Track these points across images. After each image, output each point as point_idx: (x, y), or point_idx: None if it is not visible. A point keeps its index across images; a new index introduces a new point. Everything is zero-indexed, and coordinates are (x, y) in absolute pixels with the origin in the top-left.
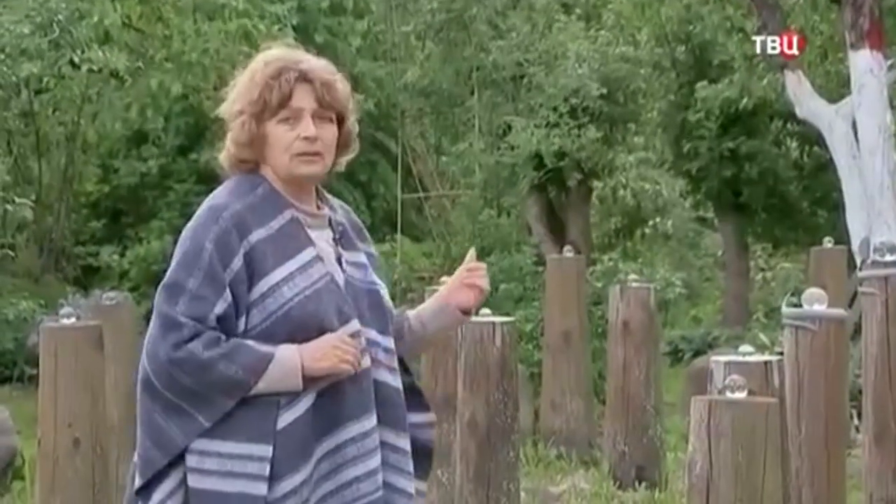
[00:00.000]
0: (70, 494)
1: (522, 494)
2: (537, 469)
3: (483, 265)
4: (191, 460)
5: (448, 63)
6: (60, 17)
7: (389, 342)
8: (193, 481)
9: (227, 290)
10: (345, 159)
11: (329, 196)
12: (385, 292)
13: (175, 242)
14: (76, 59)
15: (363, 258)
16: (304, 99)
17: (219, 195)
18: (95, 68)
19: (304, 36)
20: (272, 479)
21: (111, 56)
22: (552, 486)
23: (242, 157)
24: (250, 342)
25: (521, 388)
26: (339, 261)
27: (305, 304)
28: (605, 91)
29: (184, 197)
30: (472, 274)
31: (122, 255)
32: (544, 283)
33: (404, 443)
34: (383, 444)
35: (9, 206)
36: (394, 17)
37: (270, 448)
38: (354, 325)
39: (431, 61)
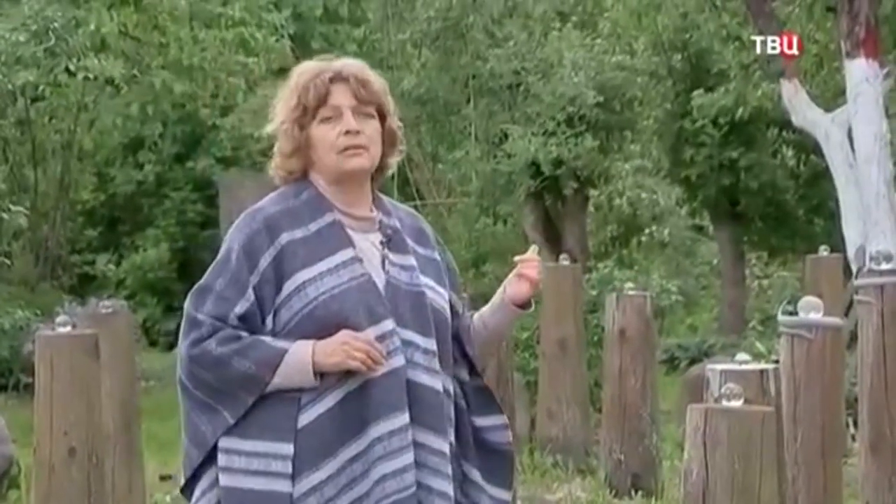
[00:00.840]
0: (66, 503)
1: (519, 502)
2: (533, 477)
3: (536, 258)
4: (221, 459)
5: (444, 71)
6: (56, 25)
7: (430, 344)
8: (223, 479)
9: (250, 291)
10: (394, 160)
11: (391, 201)
12: (436, 295)
13: (171, 250)
14: (72, 68)
15: (412, 261)
16: (341, 97)
17: (263, 200)
18: (91, 76)
19: (300, 44)
20: (293, 477)
21: (107, 64)
22: (548, 495)
23: (290, 167)
24: (267, 338)
25: (517, 396)
26: (383, 262)
27: (329, 304)
28: (601, 99)
29: (180, 205)
30: (523, 265)
31: (118, 263)
32: (540, 291)
33: (443, 445)
34: (419, 445)
35: (4, 215)
36: (390, 26)
37: (292, 446)
38: (387, 325)
39: (428, 69)
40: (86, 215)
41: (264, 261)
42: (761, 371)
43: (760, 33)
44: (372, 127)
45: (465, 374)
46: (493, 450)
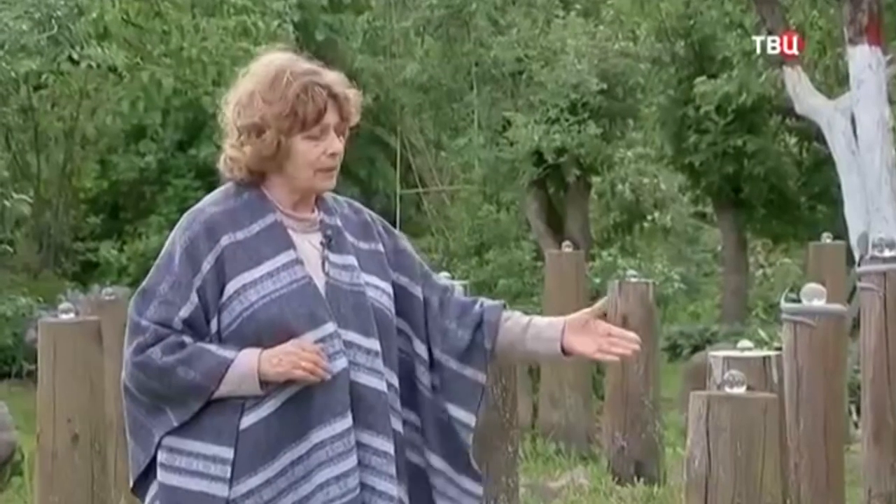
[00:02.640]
0: (69, 490)
1: (521, 490)
2: (536, 464)
3: (635, 337)
4: (161, 455)
5: (447, 59)
6: (59, 13)
7: (373, 344)
8: (162, 476)
9: (194, 294)
10: None
11: (334, 197)
12: (377, 293)
13: None
14: (75, 56)
15: (353, 260)
16: (332, 115)
17: (203, 200)
18: (94, 64)
19: (304, 32)
20: (231, 480)
21: (109, 52)
22: (551, 482)
23: (259, 168)
24: (212, 347)
25: (519, 382)
26: (323, 264)
27: (269, 308)
28: (604, 86)
29: (182, 192)
30: (615, 342)
31: (121, 250)
32: (543, 279)
33: (386, 446)
34: (363, 445)
35: (7, 202)
36: (393, 13)
37: (232, 450)
38: (328, 328)
39: (431, 57)
40: (88, 203)
41: (207, 263)
42: (764, 358)
43: (763, 20)
44: (342, 146)
45: (452, 362)
46: (456, 443)
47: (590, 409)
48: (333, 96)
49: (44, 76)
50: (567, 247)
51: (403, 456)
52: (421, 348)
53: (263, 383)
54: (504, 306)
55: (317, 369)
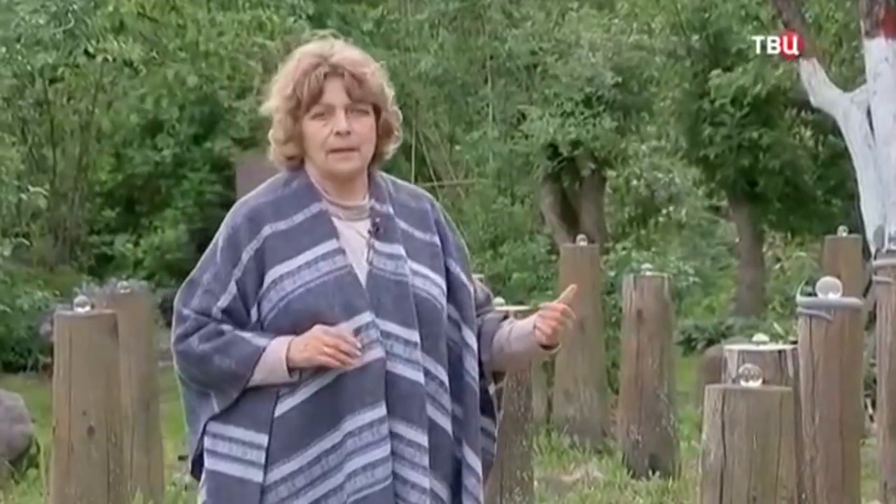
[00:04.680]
0: (85, 482)
1: (536, 483)
2: (550, 458)
3: (561, 307)
4: (206, 441)
5: (462, 52)
6: (75, 6)
7: (412, 335)
8: (207, 462)
9: (233, 284)
10: (391, 147)
11: (394, 182)
12: (424, 282)
13: (189, 231)
14: (91, 49)
15: (400, 249)
16: (335, 94)
17: (253, 191)
18: (110, 58)
19: (318, 25)
20: (266, 466)
21: (126, 46)
22: (565, 475)
23: (286, 152)
24: (248, 334)
25: (534, 376)
26: (368, 252)
27: (305, 297)
28: (619, 80)
29: (198, 185)
30: (546, 313)
31: (137, 243)
32: (558, 272)
33: (421, 437)
34: (397, 436)
35: (23, 195)
36: (407, 6)
37: (267, 437)
38: (364, 317)
39: (445, 50)
40: (104, 196)
41: (246, 254)
42: (779, 352)
43: (779, 13)
44: (365, 125)
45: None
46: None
47: (604, 403)
48: (339, 75)
49: (60, 70)
50: (582, 240)
51: (450, 451)
52: (471, 337)
53: (292, 370)
54: (504, 317)
55: (338, 354)
